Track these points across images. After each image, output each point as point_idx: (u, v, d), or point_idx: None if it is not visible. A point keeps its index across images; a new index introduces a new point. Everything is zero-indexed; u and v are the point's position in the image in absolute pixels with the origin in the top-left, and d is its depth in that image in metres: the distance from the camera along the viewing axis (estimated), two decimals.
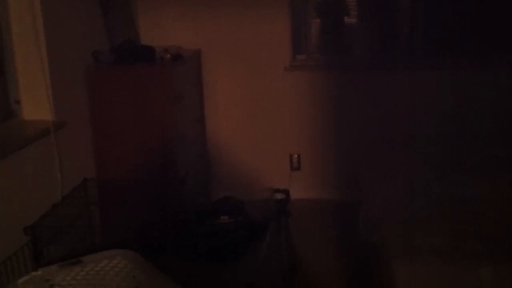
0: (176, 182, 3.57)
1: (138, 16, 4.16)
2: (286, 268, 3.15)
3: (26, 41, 2.90)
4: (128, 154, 3.54)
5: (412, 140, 4.14)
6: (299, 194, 4.05)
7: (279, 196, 3.08)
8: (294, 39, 4.29)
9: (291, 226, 3.08)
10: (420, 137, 4.16)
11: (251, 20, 4.18)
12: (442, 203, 2.85)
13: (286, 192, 3.06)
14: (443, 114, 4.18)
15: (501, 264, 2.24)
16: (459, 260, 2.29)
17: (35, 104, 2.95)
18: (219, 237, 3.66)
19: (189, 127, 3.93)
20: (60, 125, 3.00)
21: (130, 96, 3.48)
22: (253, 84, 4.30)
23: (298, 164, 4.38)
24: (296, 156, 4.36)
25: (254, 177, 4.37)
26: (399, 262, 2.32)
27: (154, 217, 3.46)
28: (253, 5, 4.16)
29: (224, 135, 4.38)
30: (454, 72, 4.13)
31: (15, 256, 2.51)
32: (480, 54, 4.17)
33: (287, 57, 4.26)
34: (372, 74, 4.26)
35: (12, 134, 2.78)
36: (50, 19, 2.95)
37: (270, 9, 4.16)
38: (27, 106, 2.96)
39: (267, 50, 4.23)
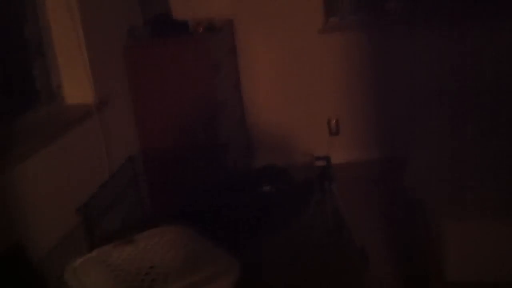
0: (220, 150, 3.62)
1: None
2: (334, 232, 3.19)
3: (62, 23, 2.94)
4: (170, 127, 3.59)
5: (456, 97, 4.06)
6: (340, 159, 4.05)
7: (320, 163, 3.10)
8: (326, 1, 4.23)
9: (335, 190, 3.09)
10: (463, 94, 4.07)
11: None
12: (488, 160, 2.81)
13: (327, 158, 3.08)
14: (487, 69, 4.07)
15: None
16: (508, 216, 2.28)
17: (77, 87, 3.01)
18: (263, 206, 3.70)
19: (228, 96, 3.95)
20: (102, 105, 3.06)
21: (168, 70, 3.51)
22: (287, 49, 4.28)
23: (336, 129, 4.36)
24: (334, 121, 4.35)
25: (292, 143, 4.39)
26: (448, 219, 2.32)
27: (200, 188, 3.52)
28: None
29: (261, 102, 4.40)
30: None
31: (70, 236, 2.61)
32: None
33: (320, 19, 4.21)
34: (409, 30, 4.16)
35: (56, 118, 2.85)
36: None
37: None
38: (69, 89, 3.02)
39: (299, 14, 4.19)
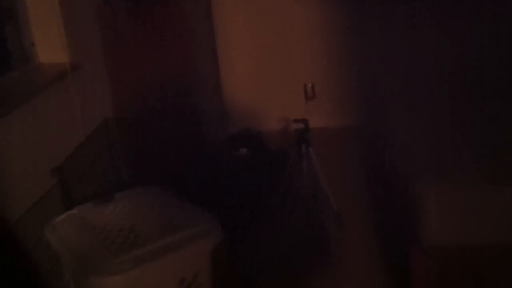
0: (194, 117, 3.59)
1: None
2: (309, 196, 3.21)
3: None
4: (144, 91, 3.54)
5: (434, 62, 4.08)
6: (316, 123, 4.05)
7: (298, 125, 3.10)
8: None
9: (312, 155, 3.11)
10: (444, 59, 4.09)
11: None
12: (467, 127, 2.85)
13: (305, 121, 3.08)
14: (460, 45, 4.09)
15: None
16: (486, 181, 2.31)
17: (50, 47, 2.93)
18: (239, 168, 3.70)
19: (203, 62, 3.91)
20: (76, 66, 2.99)
21: (142, 34, 3.45)
22: (263, 14, 4.24)
23: (312, 94, 4.36)
24: (310, 85, 4.34)
25: (269, 109, 4.38)
26: (426, 184, 2.35)
27: (174, 153, 3.50)
28: None
29: (237, 68, 4.36)
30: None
31: (46, 197, 2.56)
32: None
33: None
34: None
35: (30, 78, 2.77)
36: None
37: None
38: (42, 48, 2.94)
39: None
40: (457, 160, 2.49)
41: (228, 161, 3.73)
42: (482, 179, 2.33)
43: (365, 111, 4.18)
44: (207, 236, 1.95)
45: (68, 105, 2.94)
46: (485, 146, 2.61)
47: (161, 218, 2.06)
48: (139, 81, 3.51)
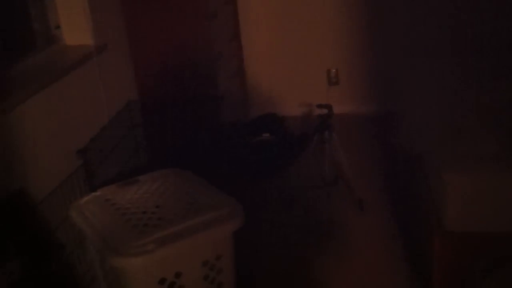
0: (215, 100, 3.59)
1: None
2: (330, 180, 3.21)
3: None
4: (166, 74, 3.55)
5: (450, 46, 4.03)
6: (339, 109, 4.04)
7: (321, 111, 3.09)
8: None
9: (336, 140, 3.10)
10: (458, 43, 4.05)
11: None
12: (485, 111, 2.81)
13: (328, 106, 3.07)
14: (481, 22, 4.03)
15: None
16: (506, 166, 2.28)
17: (75, 29, 2.95)
18: (261, 153, 3.71)
19: (225, 45, 3.90)
20: (101, 48, 3.00)
21: (164, 17, 3.45)
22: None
23: (336, 79, 4.33)
24: (334, 71, 4.30)
25: (292, 94, 4.36)
26: (447, 171, 2.32)
27: (196, 136, 3.51)
28: None
29: (260, 52, 4.35)
30: None
31: (70, 178, 2.59)
32: None
33: None
34: None
35: (56, 60, 2.79)
36: None
37: None
38: (67, 31, 2.95)
39: None
40: (481, 145, 2.46)
41: (251, 146, 3.73)
42: (505, 165, 2.30)
43: (389, 97, 4.14)
44: (230, 219, 1.95)
45: (93, 87, 2.95)
46: (508, 130, 2.58)
47: (184, 200, 2.07)
48: (162, 63, 3.52)
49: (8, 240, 2.09)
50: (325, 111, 3.07)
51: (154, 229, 1.87)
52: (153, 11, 3.45)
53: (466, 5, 4.04)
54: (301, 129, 3.92)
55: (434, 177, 2.43)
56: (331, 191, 3.23)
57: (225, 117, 3.74)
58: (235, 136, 3.83)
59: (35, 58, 2.72)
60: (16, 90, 2.34)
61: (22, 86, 2.39)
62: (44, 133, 2.48)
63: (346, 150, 3.15)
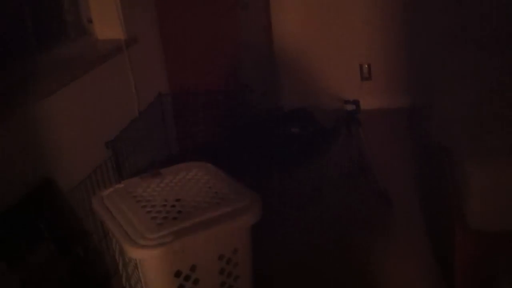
0: (245, 91, 3.61)
1: None
2: (355, 172, 3.20)
3: None
4: (198, 65, 3.59)
5: (487, 39, 3.94)
6: (371, 104, 4.02)
7: (349, 107, 3.08)
8: None
9: (362, 136, 3.09)
10: (496, 36, 3.95)
11: None
12: None
13: (356, 102, 3.05)
14: None
15: None
16: None
17: (107, 22, 3.01)
18: (290, 146, 3.71)
19: (256, 36, 3.91)
20: (132, 41, 3.06)
21: (195, 8, 3.49)
22: None
23: (368, 74, 4.30)
24: (366, 66, 4.28)
25: (324, 87, 4.35)
26: (473, 164, 2.28)
27: (226, 127, 3.55)
28: None
29: (292, 44, 4.35)
30: None
31: (99, 169, 2.66)
32: None
33: None
34: None
35: (86, 53, 2.86)
36: None
37: None
38: (99, 24, 3.02)
39: None
40: (508, 138, 2.41)
41: (280, 139, 3.74)
42: None
43: (420, 91, 4.08)
44: (248, 213, 1.97)
45: (123, 80, 3.02)
46: None
47: (204, 193, 2.09)
48: (193, 55, 3.56)
49: (40, 224, 2.18)
50: (352, 106, 3.05)
51: (172, 221, 1.90)
52: (184, 2, 3.49)
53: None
54: (331, 123, 3.90)
55: (458, 170, 2.40)
56: (357, 183, 3.23)
57: (256, 108, 3.76)
58: (265, 128, 3.84)
59: (66, 50, 2.79)
60: (46, 81, 2.41)
61: (53, 77, 2.46)
62: (73, 124, 2.55)
63: (376, 144, 3.14)
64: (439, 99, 3.12)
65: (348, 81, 4.31)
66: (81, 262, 2.39)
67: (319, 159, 3.57)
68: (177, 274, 1.85)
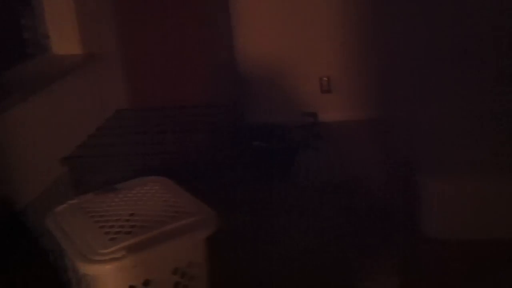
0: (208, 107, 3.62)
1: None
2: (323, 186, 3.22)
3: None
4: (160, 81, 3.58)
5: (447, 52, 4.03)
6: (331, 117, 4.06)
7: (308, 119, 3.11)
8: None
9: (324, 147, 3.11)
10: (455, 49, 4.04)
11: None
12: (475, 116, 2.82)
13: (314, 114, 3.09)
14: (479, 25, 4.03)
15: None
16: (490, 174, 2.29)
17: (64, 38, 3.00)
18: (254, 160, 3.74)
19: (219, 51, 3.93)
20: (90, 57, 3.05)
21: (157, 23, 3.49)
22: (279, 4, 4.24)
23: (328, 87, 4.35)
24: (326, 79, 4.33)
25: (285, 101, 4.38)
26: (430, 176, 2.34)
27: (188, 142, 3.54)
28: None
29: (254, 59, 4.37)
30: None
31: (55, 186, 2.63)
32: None
33: None
34: None
35: (44, 69, 2.85)
36: None
37: None
38: (56, 40, 3.01)
39: None
40: (464, 151, 2.47)
41: (243, 153, 3.75)
42: (487, 172, 2.30)
43: (380, 104, 4.15)
44: (202, 227, 1.97)
45: (81, 96, 3.00)
46: (495, 138, 2.58)
47: (159, 207, 2.09)
48: (152, 70, 3.55)
49: None
50: (311, 119, 3.09)
51: (125, 236, 1.89)
52: (145, 18, 3.49)
53: (461, 12, 4.05)
54: (292, 137, 3.94)
55: (418, 183, 2.45)
56: (320, 195, 3.25)
57: (218, 123, 3.77)
58: (229, 143, 3.86)
59: (23, 67, 2.79)
60: (3, 97, 2.39)
61: (9, 94, 2.44)
62: (29, 141, 2.53)
63: (337, 157, 3.16)
64: (402, 113, 3.18)
65: (308, 94, 4.35)
66: (37, 280, 2.36)
67: (282, 173, 3.60)
68: None
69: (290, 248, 2.87)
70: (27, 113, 2.50)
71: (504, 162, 2.35)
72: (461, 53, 3.97)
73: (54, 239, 2.33)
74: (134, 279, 1.84)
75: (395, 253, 2.73)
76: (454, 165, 2.40)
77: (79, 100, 2.99)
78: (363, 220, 3.07)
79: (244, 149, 3.80)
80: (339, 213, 3.14)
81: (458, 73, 3.46)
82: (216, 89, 3.75)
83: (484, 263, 2.32)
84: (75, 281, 2.06)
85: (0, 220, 2.26)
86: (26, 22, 2.92)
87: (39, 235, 2.44)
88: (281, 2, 4.23)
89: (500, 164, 2.34)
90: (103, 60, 3.22)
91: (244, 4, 4.25)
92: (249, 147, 3.79)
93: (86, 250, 1.84)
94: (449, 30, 4.06)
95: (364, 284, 2.58)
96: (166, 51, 3.53)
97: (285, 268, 2.72)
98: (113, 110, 3.23)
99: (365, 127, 4.22)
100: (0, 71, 2.64)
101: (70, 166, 2.67)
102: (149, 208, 2.08)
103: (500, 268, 2.28)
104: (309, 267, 2.72)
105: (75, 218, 2.03)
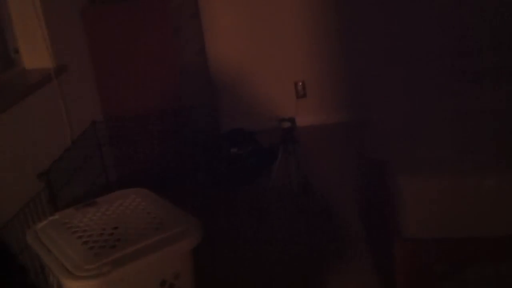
0: (183, 117, 3.60)
1: None
2: (298, 191, 3.23)
3: None
4: (132, 91, 3.56)
5: (417, 54, 4.08)
6: (307, 121, 4.09)
7: (285, 124, 3.11)
8: None
9: (299, 152, 3.12)
10: (425, 50, 4.10)
11: None
12: (446, 116, 2.85)
13: (291, 120, 3.09)
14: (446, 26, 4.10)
15: (505, 174, 2.27)
16: (463, 172, 2.32)
17: (34, 52, 2.95)
18: (230, 166, 3.73)
19: (192, 59, 3.92)
20: (62, 70, 3.00)
21: (127, 34, 3.47)
22: (253, 12, 4.25)
23: (303, 91, 4.37)
24: (300, 83, 4.35)
25: (260, 106, 4.39)
26: (404, 176, 2.35)
27: (164, 151, 3.52)
28: None
29: (227, 65, 4.37)
30: None
31: (33, 202, 2.58)
32: None
33: None
34: None
35: (14, 84, 2.79)
36: None
37: None
38: (26, 54, 2.95)
39: None
40: (437, 150, 2.49)
41: (220, 160, 3.74)
42: (459, 170, 2.33)
43: (356, 107, 4.18)
44: (188, 237, 1.95)
45: (54, 110, 2.95)
46: (468, 135, 2.62)
47: (142, 219, 2.07)
48: (125, 81, 3.52)
49: None
50: (288, 124, 3.09)
51: (110, 250, 1.86)
52: (115, 28, 3.46)
53: (432, 14, 4.12)
54: (270, 142, 3.94)
55: (392, 183, 2.46)
56: (297, 200, 3.25)
57: (193, 132, 3.75)
58: (205, 150, 3.84)
59: None
60: None
61: None
62: (3, 156, 2.47)
63: (314, 161, 3.18)
64: (376, 115, 3.20)
65: (283, 99, 4.36)
66: None
67: (258, 178, 3.60)
68: None
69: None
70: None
71: (480, 159, 2.38)
72: (432, 54, 4.03)
73: (36, 256, 2.29)
74: None
75: (378, 257, 2.76)
76: (429, 164, 2.41)
77: (53, 113, 2.94)
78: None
79: (222, 156, 3.79)
80: (316, 216, 3.17)
81: (431, 73, 3.50)
82: (192, 97, 3.73)
83: (462, 262, 2.35)
84: None
85: None
86: None
87: (18, 252, 2.39)
88: (254, 8, 4.23)
89: (476, 162, 2.37)
90: (75, 73, 3.18)
91: (215, 11, 4.25)
92: (226, 154, 3.78)
93: (71, 266, 1.80)
94: (418, 31, 4.13)
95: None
96: (137, 60, 3.52)
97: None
98: (88, 122, 3.19)
99: (341, 130, 4.25)
100: None
101: (47, 181, 2.62)
102: (133, 221, 2.06)
103: (478, 266, 2.31)
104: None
105: (57, 234, 1.99)
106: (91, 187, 3.03)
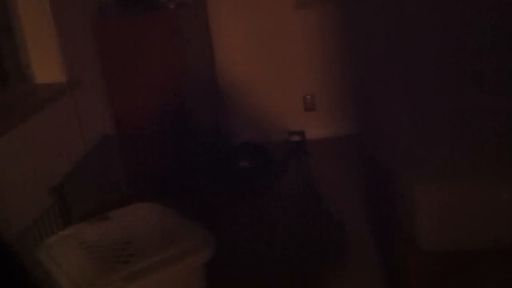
0: (193, 130, 3.61)
1: None
2: (309, 203, 3.22)
3: (30, 0, 2.89)
4: (143, 104, 3.57)
5: (423, 60, 4.07)
6: (316, 134, 4.08)
7: (295, 137, 3.12)
8: None
9: (310, 164, 3.12)
10: (431, 56, 4.09)
11: None
12: (458, 122, 2.83)
13: (301, 133, 3.10)
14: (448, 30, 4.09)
15: None
16: (478, 180, 2.29)
17: (46, 67, 2.96)
18: (241, 179, 3.73)
19: (202, 72, 3.93)
20: (74, 84, 3.01)
21: (138, 46, 3.48)
22: (261, 24, 4.27)
23: (312, 105, 4.37)
24: (309, 97, 4.35)
25: (269, 119, 4.39)
26: (420, 186, 2.33)
27: (176, 165, 3.53)
28: None
29: (236, 78, 4.38)
30: None
31: (46, 216, 2.58)
32: None
33: None
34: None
35: (26, 98, 2.80)
36: None
37: None
38: (39, 69, 2.97)
39: None
40: (453, 161, 2.47)
41: (230, 174, 3.74)
42: (478, 179, 2.30)
43: (365, 118, 4.17)
44: (201, 251, 1.95)
45: (66, 124, 2.96)
46: (483, 145, 2.60)
47: (156, 234, 2.07)
48: (137, 93, 3.54)
49: None
50: (298, 137, 3.09)
51: (123, 265, 1.86)
52: (127, 41, 3.48)
53: (437, 21, 4.11)
54: (279, 155, 3.94)
55: (405, 194, 2.44)
56: (309, 212, 3.24)
57: (204, 146, 3.76)
58: (214, 164, 3.85)
59: (5, 97, 2.73)
60: None
61: None
62: (16, 171, 2.48)
63: (325, 173, 3.17)
64: (386, 124, 3.19)
65: (292, 112, 4.37)
66: None
67: (269, 191, 3.60)
68: None
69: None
70: (12, 143, 2.44)
71: (499, 168, 2.36)
72: (436, 60, 4.02)
73: (47, 271, 2.29)
74: None
75: (391, 269, 2.74)
76: (446, 173, 2.39)
77: (65, 127, 2.94)
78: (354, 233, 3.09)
79: (232, 170, 3.79)
80: (328, 227, 3.16)
81: (435, 79, 3.49)
82: (201, 109, 3.74)
83: (482, 272, 2.32)
84: None
85: None
86: (6, 51, 2.87)
87: (29, 267, 2.38)
88: (263, 22, 4.25)
89: (496, 170, 2.34)
90: (87, 86, 3.19)
91: (224, 24, 4.26)
92: (236, 168, 3.78)
93: (83, 281, 1.80)
94: (424, 42, 4.12)
95: None
96: (148, 73, 3.53)
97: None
98: (100, 136, 3.20)
99: (351, 143, 4.24)
100: None
101: (59, 195, 2.63)
102: (145, 235, 2.06)
103: (497, 279, 2.28)
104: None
105: (68, 249, 1.99)
106: (103, 201, 3.03)
